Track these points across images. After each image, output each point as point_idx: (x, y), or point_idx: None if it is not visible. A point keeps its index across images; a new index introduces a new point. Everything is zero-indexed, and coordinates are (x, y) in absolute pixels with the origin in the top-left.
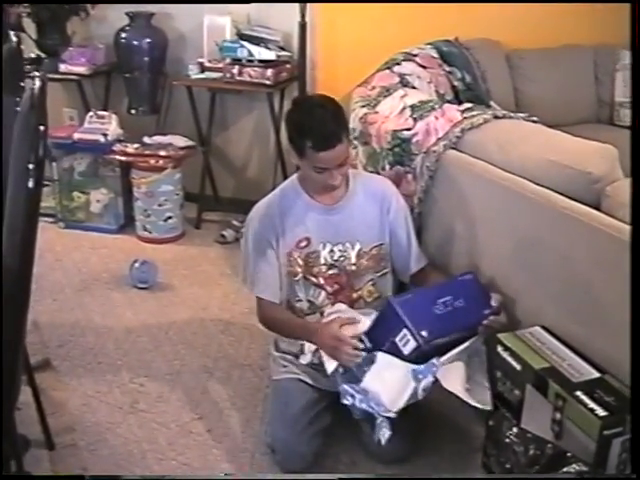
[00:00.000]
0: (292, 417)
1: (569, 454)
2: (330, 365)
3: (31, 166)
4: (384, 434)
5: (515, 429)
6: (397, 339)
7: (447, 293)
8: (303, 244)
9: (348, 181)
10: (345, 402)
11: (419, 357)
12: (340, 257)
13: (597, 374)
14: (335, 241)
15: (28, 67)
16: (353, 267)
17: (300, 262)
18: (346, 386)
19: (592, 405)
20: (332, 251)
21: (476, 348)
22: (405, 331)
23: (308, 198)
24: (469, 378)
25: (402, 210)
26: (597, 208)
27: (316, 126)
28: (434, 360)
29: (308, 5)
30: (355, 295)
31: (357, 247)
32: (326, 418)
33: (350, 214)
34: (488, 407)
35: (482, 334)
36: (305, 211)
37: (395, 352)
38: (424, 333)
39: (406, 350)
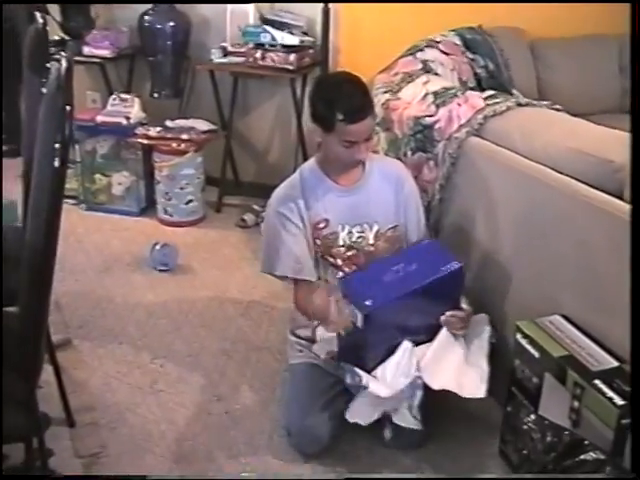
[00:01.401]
0: (308, 400)
1: (586, 442)
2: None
3: (57, 146)
4: (387, 434)
5: (533, 416)
6: (352, 317)
7: (400, 260)
8: (322, 225)
9: (364, 163)
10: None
11: (383, 328)
12: (358, 238)
13: (616, 363)
14: (353, 222)
15: (52, 49)
16: (371, 248)
17: (318, 243)
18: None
19: (610, 394)
20: (350, 232)
21: (479, 331)
22: (352, 306)
23: (327, 180)
24: (466, 361)
25: (414, 192)
26: (619, 197)
27: (347, 99)
28: (413, 372)
29: None
30: None
31: (375, 228)
32: (342, 402)
33: (367, 195)
34: (480, 395)
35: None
36: (324, 193)
37: (356, 330)
38: (367, 302)
39: (359, 323)
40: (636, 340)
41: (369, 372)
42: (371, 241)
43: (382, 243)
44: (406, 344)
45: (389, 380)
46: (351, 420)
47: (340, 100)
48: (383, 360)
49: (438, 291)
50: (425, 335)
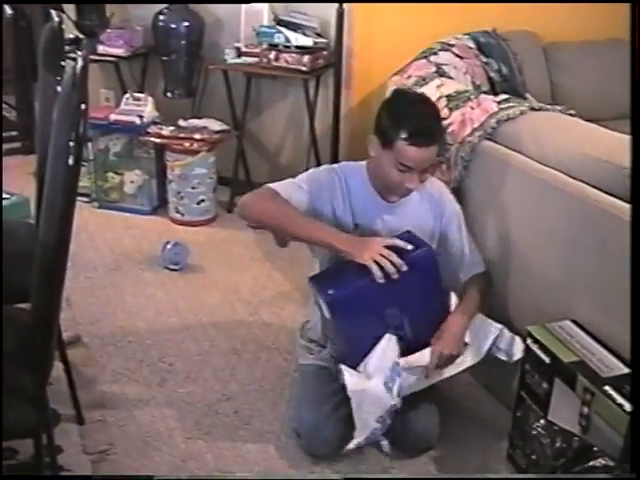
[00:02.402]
0: (317, 402)
1: (595, 448)
2: None
3: (71, 144)
4: (384, 446)
5: (542, 421)
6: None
7: None
8: (350, 229)
9: None
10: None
11: (355, 318)
12: None
13: (626, 369)
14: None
15: (67, 48)
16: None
17: None
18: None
19: (620, 400)
20: None
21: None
22: (319, 300)
23: (371, 189)
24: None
25: (456, 217)
26: (630, 202)
27: (416, 119)
28: (396, 360)
29: None
30: None
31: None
32: (349, 405)
33: (404, 214)
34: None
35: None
36: (363, 199)
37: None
38: (330, 291)
39: (328, 315)
40: (636, 339)
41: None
42: None
43: None
44: (388, 336)
45: (371, 371)
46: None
47: (409, 118)
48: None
49: (407, 280)
50: (411, 332)
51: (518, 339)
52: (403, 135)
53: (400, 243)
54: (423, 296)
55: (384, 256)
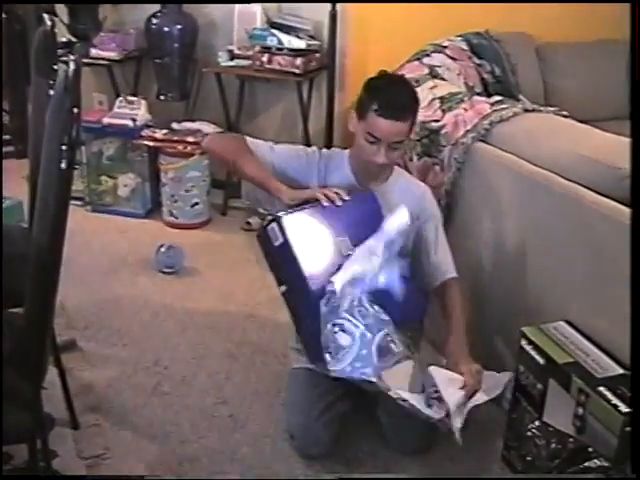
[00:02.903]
0: (308, 403)
1: (590, 449)
2: None
3: (64, 147)
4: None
5: (537, 422)
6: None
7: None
8: None
9: (392, 172)
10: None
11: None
12: None
13: (621, 370)
14: None
15: (60, 51)
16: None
17: None
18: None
19: (615, 401)
20: None
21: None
22: (273, 228)
23: (350, 175)
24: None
25: (433, 219)
26: (626, 204)
27: (389, 93)
28: (382, 316)
29: None
30: None
31: None
32: (343, 405)
33: (381, 204)
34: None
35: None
36: (342, 182)
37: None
38: (280, 213)
39: (281, 239)
40: (636, 339)
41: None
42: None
43: None
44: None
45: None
46: None
47: (382, 90)
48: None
49: (352, 213)
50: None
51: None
52: (374, 106)
53: (340, 191)
54: (370, 231)
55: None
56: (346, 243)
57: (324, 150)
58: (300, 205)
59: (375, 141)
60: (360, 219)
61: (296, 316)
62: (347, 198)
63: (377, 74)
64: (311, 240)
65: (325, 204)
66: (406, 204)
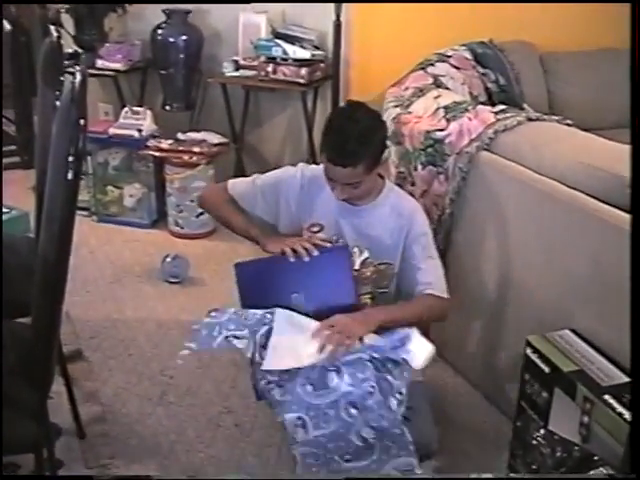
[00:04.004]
0: None
1: (596, 457)
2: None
3: (70, 158)
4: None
5: (542, 431)
6: None
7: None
8: (315, 229)
9: (382, 190)
10: None
11: (255, 287)
12: None
13: (626, 378)
14: (345, 241)
15: (66, 62)
16: (355, 272)
17: None
18: None
19: (620, 409)
20: None
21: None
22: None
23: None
24: None
25: (422, 238)
26: (630, 212)
27: (336, 139)
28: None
29: (343, 5)
30: None
31: (364, 255)
32: None
33: (369, 222)
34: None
35: None
36: (329, 199)
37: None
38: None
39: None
40: (636, 346)
41: None
42: (357, 266)
43: (368, 272)
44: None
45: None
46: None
47: (330, 137)
48: None
49: (316, 270)
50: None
51: (429, 347)
52: (325, 152)
53: (319, 242)
54: (332, 290)
55: (298, 244)
56: (299, 300)
57: (311, 168)
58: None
59: (331, 181)
60: (323, 277)
61: None
62: (316, 254)
63: (340, 106)
64: (262, 294)
65: (291, 259)
66: (396, 221)
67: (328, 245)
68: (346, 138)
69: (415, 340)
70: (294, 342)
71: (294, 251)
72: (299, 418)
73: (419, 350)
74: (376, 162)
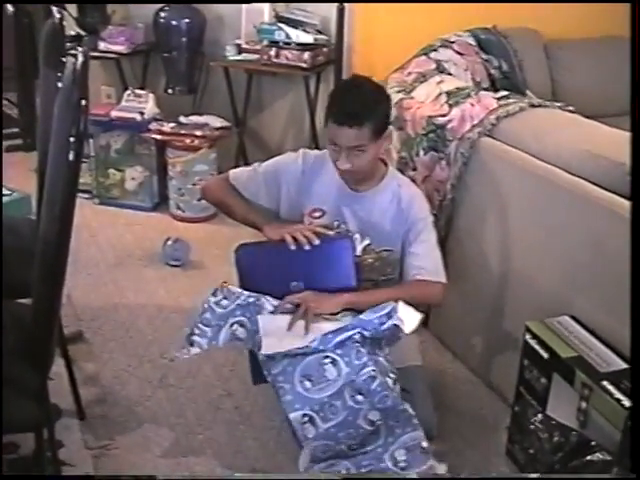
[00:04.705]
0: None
1: (593, 443)
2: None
3: (72, 139)
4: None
5: (540, 415)
6: None
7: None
8: (317, 214)
9: (384, 176)
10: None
11: (255, 272)
12: None
13: (624, 365)
14: (347, 226)
15: (68, 44)
16: (356, 259)
17: None
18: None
19: (618, 395)
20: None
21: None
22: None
23: (337, 177)
24: None
25: (420, 225)
26: (630, 199)
27: (343, 100)
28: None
29: None
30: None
31: (365, 242)
32: None
33: (370, 209)
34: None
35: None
36: (331, 184)
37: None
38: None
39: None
40: (636, 335)
41: None
42: (358, 252)
43: (370, 259)
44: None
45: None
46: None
47: (337, 99)
48: None
49: (317, 259)
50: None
51: (417, 314)
52: (331, 115)
53: (320, 229)
54: (332, 281)
55: (299, 232)
56: (299, 288)
57: (312, 153)
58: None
59: (337, 147)
60: (324, 267)
61: None
62: (317, 243)
63: (345, 79)
64: (261, 279)
65: (292, 247)
66: (396, 208)
67: (331, 234)
68: (352, 99)
69: (402, 310)
70: (282, 323)
71: (295, 239)
72: (305, 415)
73: (407, 317)
74: (380, 131)
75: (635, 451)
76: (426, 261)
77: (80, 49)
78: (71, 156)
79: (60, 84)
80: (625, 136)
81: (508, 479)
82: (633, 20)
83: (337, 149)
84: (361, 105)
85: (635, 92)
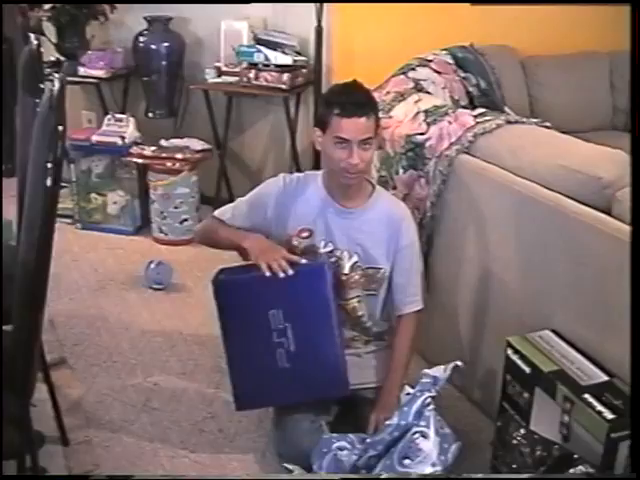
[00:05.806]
0: (291, 415)
1: (576, 456)
2: None
3: (49, 165)
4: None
5: (522, 430)
6: None
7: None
8: (304, 234)
9: (372, 194)
10: None
11: (234, 303)
12: (335, 261)
13: (605, 377)
14: (335, 244)
15: (48, 70)
16: (344, 277)
17: (298, 252)
18: None
19: (600, 408)
20: (331, 252)
21: None
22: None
23: (325, 194)
24: None
25: (409, 247)
26: (608, 213)
27: (345, 94)
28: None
29: (325, 10)
30: (341, 302)
31: (353, 259)
32: (328, 413)
33: (359, 226)
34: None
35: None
36: (317, 204)
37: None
38: (220, 276)
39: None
40: (636, 342)
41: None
42: (346, 270)
43: (357, 276)
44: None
45: None
46: None
47: (338, 95)
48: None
49: (294, 288)
50: (293, 342)
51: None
52: (335, 111)
53: (294, 258)
54: (309, 309)
55: (276, 260)
56: (278, 317)
57: (294, 175)
58: (250, 265)
59: (345, 143)
60: (301, 295)
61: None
62: (291, 273)
63: (334, 84)
64: (240, 310)
65: (267, 274)
66: (385, 227)
67: (303, 262)
68: (355, 91)
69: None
70: None
71: (270, 267)
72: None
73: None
74: (378, 120)
75: (635, 451)
76: (418, 289)
77: (57, 75)
78: (49, 182)
79: (38, 110)
80: (600, 150)
81: (503, 479)
82: (633, 21)
83: (345, 145)
84: (365, 95)
85: (635, 110)
